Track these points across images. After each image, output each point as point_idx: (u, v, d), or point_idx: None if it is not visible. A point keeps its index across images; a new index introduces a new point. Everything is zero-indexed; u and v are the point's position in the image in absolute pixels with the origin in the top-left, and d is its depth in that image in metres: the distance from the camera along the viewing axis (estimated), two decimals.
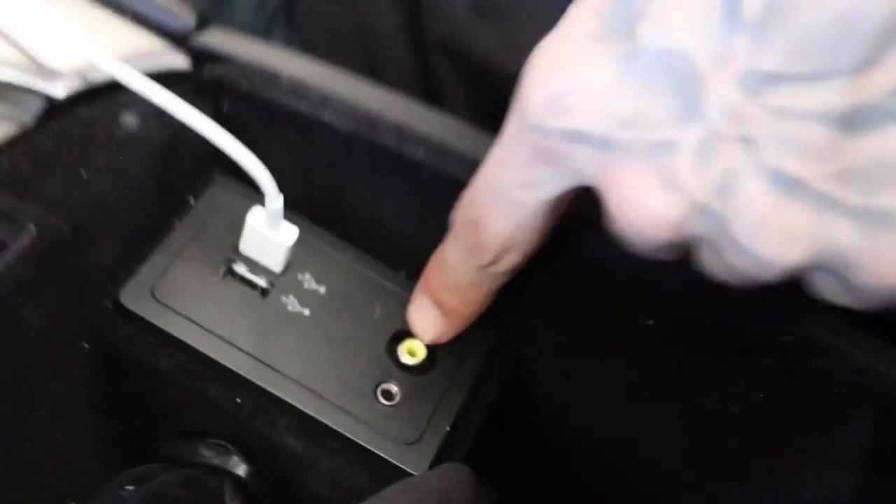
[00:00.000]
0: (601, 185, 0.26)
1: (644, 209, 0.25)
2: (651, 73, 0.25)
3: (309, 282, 0.32)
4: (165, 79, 0.30)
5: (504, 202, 0.29)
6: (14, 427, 0.29)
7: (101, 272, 0.30)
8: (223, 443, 0.31)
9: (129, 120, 0.31)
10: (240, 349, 0.29)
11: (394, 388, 0.31)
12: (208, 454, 0.31)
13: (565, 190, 0.28)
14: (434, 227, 0.30)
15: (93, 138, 0.30)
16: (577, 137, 0.26)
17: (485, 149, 0.30)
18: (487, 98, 0.50)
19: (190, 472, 0.30)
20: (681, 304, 0.31)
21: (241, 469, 0.31)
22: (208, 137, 0.28)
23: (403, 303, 0.32)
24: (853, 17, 0.22)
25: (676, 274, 0.30)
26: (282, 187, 0.29)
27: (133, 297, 0.29)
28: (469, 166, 0.31)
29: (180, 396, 0.30)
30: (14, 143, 0.29)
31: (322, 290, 0.31)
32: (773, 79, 0.23)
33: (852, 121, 0.23)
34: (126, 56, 0.31)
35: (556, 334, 0.34)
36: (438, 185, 0.30)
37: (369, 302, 0.32)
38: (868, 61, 0.23)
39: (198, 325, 0.29)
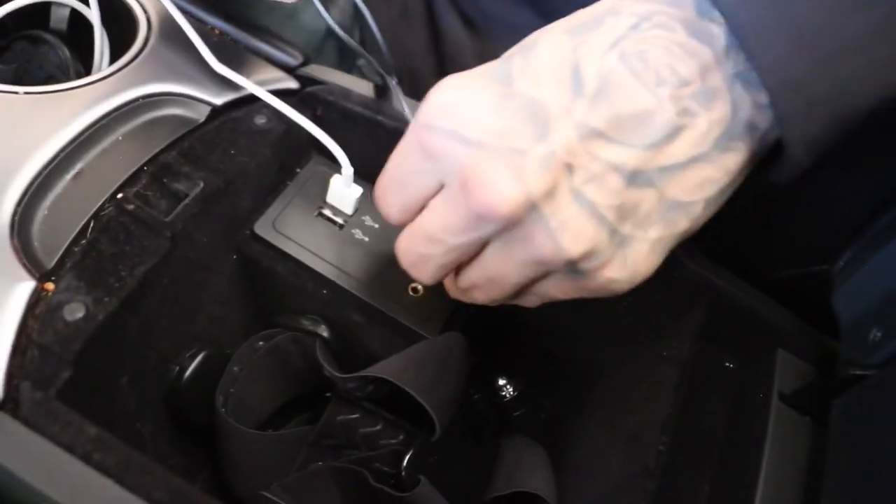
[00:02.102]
0: (464, 174, 0.32)
1: (496, 190, 0.31)
2: (519, 109, 0.32)
3: (368, 221, 0.46)
4: (283, 94, 0.46)
5: (402, 183, 0.36)
6: (192, 304, 0.44)
7: (243, 212, 0.45)
8: (316, 317, 0.45)
9: (260, 119, 0.45)
10: (326, 261, 0.44)
11: (419, 286, 0.44)
12: (306, 323, 0.45)
13: (436, 183, 0.34)
14: None
15: (238, 130, 0.45)
16: (456, 136, 0.32)
17: None
18: None
19: (295, 334, 0.45)
20: None
21: (326, 333, 0.45)
22: (308, 130, 0.43)
23: None
24: (650, 115, 0.31)
25: None
26: (353, 163, 0.43)
27: (262, 228, 0.44)
28: None
29: (290, 289, 0.44)
30: (192, 132, 0.44)
31: (376, 226, 0.46)
32: (596, 134, 0.31)
33: (634, 179, 0.32)
34: (260, 80, 0.46)
35: None
36: None
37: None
38: (653, 146, 0.31)
39: (301, 245, 0.44)
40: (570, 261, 0.33)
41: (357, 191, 0.45)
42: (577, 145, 0.31)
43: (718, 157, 0.33)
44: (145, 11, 0.49)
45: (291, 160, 0.47)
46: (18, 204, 0.39)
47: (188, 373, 0.43)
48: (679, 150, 0.32)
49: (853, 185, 0.45)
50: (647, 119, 0.31)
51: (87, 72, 0.51)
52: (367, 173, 0.45)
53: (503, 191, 0.31)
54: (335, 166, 0.44)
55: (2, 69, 0.51)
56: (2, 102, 0.42)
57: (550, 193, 0.32)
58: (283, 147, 0.46)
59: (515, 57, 0.34)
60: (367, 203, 0.46)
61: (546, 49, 0.33)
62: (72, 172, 0.41)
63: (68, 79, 0.50)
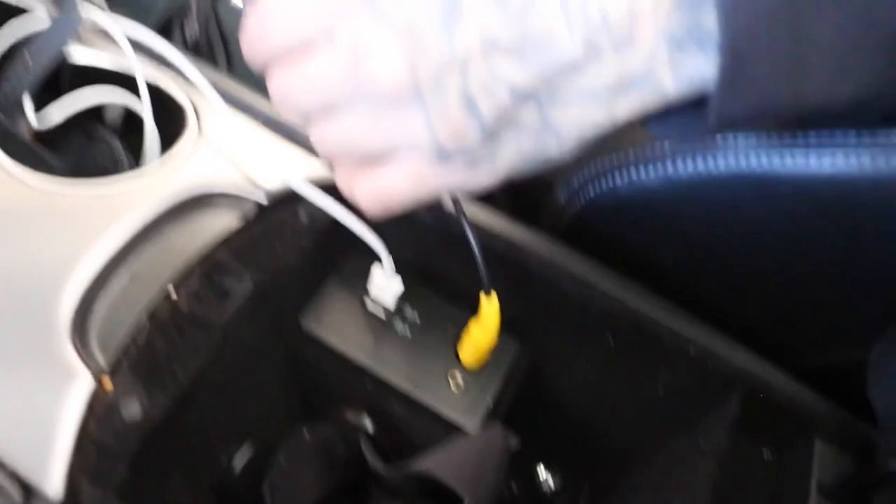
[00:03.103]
0: (358, 38, 0.32)
1: (385, 67, 0.32)
2: None
3: (410, 313, 0.48)
4: (326, 187, 0.47)
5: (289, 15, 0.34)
6: (240, 398, 0.46)
7: (289, 306, 0.47)
8: (360, 409, 0.47)
9: (304, 215, 0.47)
10: (369, 353, 0.46)
11: (458, 378, 0.46)
12: (350, 415, 0.47)
13: (324, 29, 0.33)
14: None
15: (283, 227, 0.47)
16: None
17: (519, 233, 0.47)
18: None
19: (339, 427, 0.47)
20: (626, 327, 0.47)
21: (369, 425, 0.47)
22: (350, 227, 0.45)
23: (461, 325, 0.47)
24: (558, 44, 0.31)
25: (620, 306, 0.46)
26: (393, 255, 0.46)
27: (307, 321, 0.46)
28: (510, 246, 0.47)
29: (334, 381, 0.46)
30: (240, 230, 0.46)
31: (417, 319, 0.48)
32: (499, 47, 0.31)
33: (523, 96, 0.32)
34: (302, 174, 0.48)
35: (553, 346, 0.50)
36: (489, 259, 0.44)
37: (445, 326, 0.48)
38: (551, 74, 0.32)
39: (344, 337, 0.46)
40: (441, 151, 0.34)
41: (398, 286, 0.47)
42: (477, 53, 0.32)
43: (610, 104, 0.33)
44: (194, 106, 0.52)
45: (336, 252, 0.49)
46: (77, 303, 0.41)
47: (236, 465, 0.45)
48: (575, 85, 0.32)
49: (886, 268, 0.45)
50: (554, 47, 0.31)
51: (139, 162, 0.54)
52: (408, 266, 0.47)
53: (391, 70, 0.32)
54: (377, 259, 0.46)
55: (59, 163, 0.54)
56: (59, 200, 0.45)
57: (439, 86, 0.32)
58: (328, 240, 0.48)
59: None
60: (408, 296, 0.48)
61: None
62: (126, 271, 0.43)
63: (121, 171, 0.53)
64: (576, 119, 0.34)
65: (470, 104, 0.33)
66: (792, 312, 0.50)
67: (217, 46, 0.63)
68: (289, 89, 0.36)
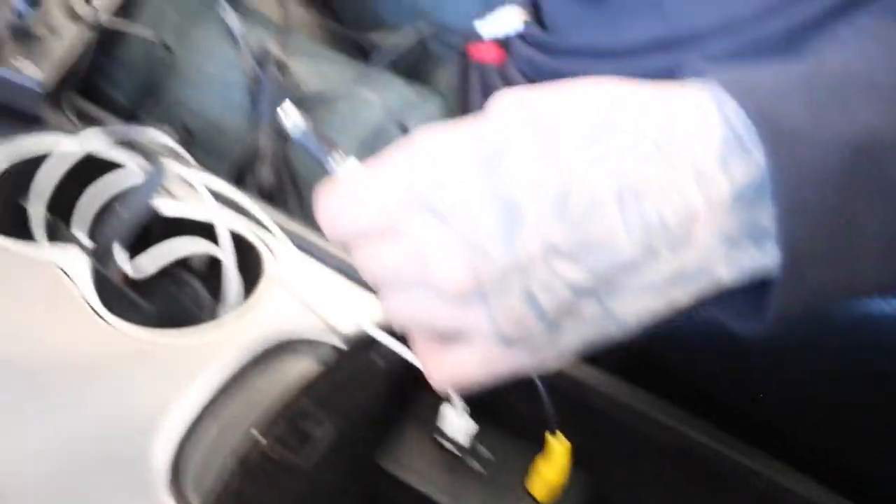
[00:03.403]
0: (424, 242, 0.34)
1: (450, 273, 0.33)
2: (496, 202, 0.33)
3: (481, 449, 0.50)
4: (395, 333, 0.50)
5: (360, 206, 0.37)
6: None
7: (368, 446, 0.49)
8: None
9: (379, 357, 0.50)
10: (445, 491, 0.48)
11: None
12: None
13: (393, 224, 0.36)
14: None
15: (360, 371, 0.50)
16: (428, 196, 0.34)
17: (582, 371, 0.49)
18: None
19: None
20: (691, 460, 0.48)
21: None
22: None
23: (530, 460, 0.49)
24: (618, 250, 0.33)
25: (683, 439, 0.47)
26: (463, 395, 0.48)
27: (385, 460, 0.49)
28: (575, 384, 0.50)
29: None
30: (320, 375, 0.49)
31: (488, 454, 0.50)
32: (560, 253, 0.33)
33: (584, 293, 0.34)
34: (376, 318, 0.50)
35: (621, 478, 0.53)
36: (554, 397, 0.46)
37: (515, 461, 0.50)
38: (611, 275, 0.34)
39: (421, 476, 0.49)
40: (505, 339, 0.35)
41: (471, 425, 0.50)
42: (538, 257, 0.33)
43: (667, 294, 0.35)
44: (271, 252, 0.55)
45: (409, 391, 0.52)
46: (173, 452, 0.44)
47: None
48: (633, 281, 0.34)
49: None
50: (613, 250, 0.33)
51: (220, 302, 0.58)
52: (477, 402, 0.49)
53: (456, 277, 0.34)
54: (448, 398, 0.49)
55: (147, 307, 0.58)
56: (150, 349, 0.48)
57: (501, 287, 0.34)
58: (401, 380, 0.51)
59: (516, 148, 0.34)
60: (482, 435, 0.50)
61: (546, 151, 0.34)
62: (215, 418, 0.46)
63: (205, 313, 0.57)
64: (635, 309, 0.36)
65: (531, 301, 0.34)
66: (866, 443, 0.51)
67: (290, 191, 0.67)
68: (362, 262, 0.39)
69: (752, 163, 0.33)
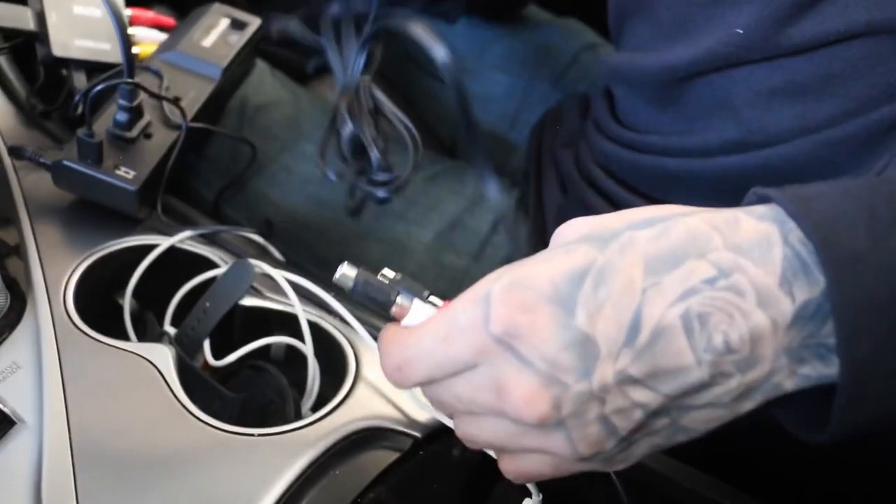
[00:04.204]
0: (505, 380, 0.36)
1: (529, 406, 0.36)
2: (573, 344, 0.35)
3: None
4: None
5: (438, 365, 0.39)
6: None
7: None
8: None
9: (455, 448, 0.52)
10: None
11: None
12: None
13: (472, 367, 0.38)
14: None
15: (436, 461, 0.51)
16: (511, 350, 0.36)
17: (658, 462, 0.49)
18: None
19: None
20: None
21: None
22: None
23: None
24: (688, 374, 0.35)
25: None
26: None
27: None
28: (652, 474, 0.50)
29: None
30: (398, 464, 0.50)
31: None
32: (633, 381, 0.36)
33: (655, 412, 0.37)
34: None
35: None
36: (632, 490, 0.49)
37: None
38: (681, 396, 0.36)
39: None
40: (581, 457, 0.38)
41: None
42: (614, 387, 0.36)
43: (735, 406, 0.37)
44: (353, 347, 0.58)
45: (484, 483, 0.53)
46: None
47: None
48: (702, 398, 0.36)
49: None
50: (683, 376, 0.36)
51: (301, 393, 0.60)
52: (557, 495, 0.50)
53: (537, 410, 0.36)
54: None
55: (232, 396, 0.61)
56: (234, 441, 0.50)
57: (579, 416, 0.37)
58: (478, 470, 0.52)
59: (588, 281, 0.37)
60: None
61: (617, 285, 0.36)
62: None
63: (286, 403, 0.59)
64: (703, 421, 0.38)
65: (607, 424, 0.37)
66: None
67: None
68: (434, 395, 0.41)
69: (814, 283, 0.35)
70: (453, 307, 0.39)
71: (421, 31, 0.59)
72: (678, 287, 0.36)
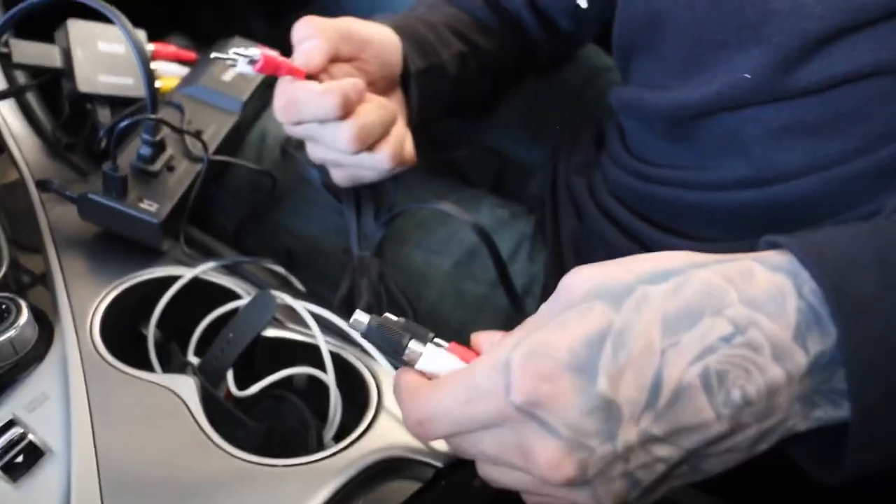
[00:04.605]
0: (530, 444, 0.38)
1: (555, 469, 0.37)
2: (596, 409, 0.36)
3: None
4: None
5: (460, 425, 0.42)
6: None
7: None
8: None
9: (475, 477, 0.51)
10: None
11: None
12: None
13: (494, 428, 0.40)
14: None
15: (457, 490, 0.52)
16: (535, 418, 0.37)
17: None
18: None
19: None
20: None
21: None
22: None
23: None
24: (707, 429, 0.37)
25: None
26: None
27: None
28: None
29: None
30: (418, 494, 0.51)
31: None
32: (655, 439, 0.37)
33: (676, 464, 0.38)
34: None
35: None
36: None
37: None
38: (702, 448, 0.37)
39: None
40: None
41: None
42: (637, 446, 0.37)
43: (752, 450, 0.38)
44: (374, 377, 0.59)
45: None
46: None
47: None
48: (721, 447, 0.38)
49: None
50: (704, 431, 0.37)
51: (323, 423, 0.61)
52: None
53: (563, 473, 0.37)
54: None
55: (255, 426, 0.62)
56: (256, 470, 0.51)
57: (604, 475, 0.38)
58: (499, 500, 0.52)
59: (607, 346, 0.37)
60: None
61: (636, 348, 0.37)
62: None
63: (308, 433, 0.60)
64: (722, 464, 0.39)
65: (631, 479, 0.38)
66: None
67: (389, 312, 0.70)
68: (458, 446, 0.43)
69: (826, 335, 0.36)
70: (473, 372, 0.40)
71: (451, 209, 0.66)
72: (696, 346, 0.37)
